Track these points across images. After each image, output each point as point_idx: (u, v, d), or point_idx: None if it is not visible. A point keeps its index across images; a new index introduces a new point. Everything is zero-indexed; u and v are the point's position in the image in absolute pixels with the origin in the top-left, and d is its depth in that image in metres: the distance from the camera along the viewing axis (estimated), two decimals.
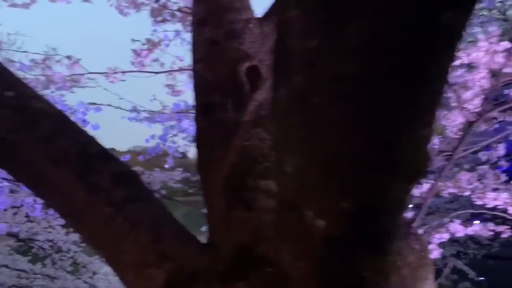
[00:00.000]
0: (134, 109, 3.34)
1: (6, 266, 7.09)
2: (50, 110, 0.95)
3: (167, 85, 2.91)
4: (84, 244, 6.96)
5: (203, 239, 1.00)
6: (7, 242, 7.33)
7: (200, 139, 1.04)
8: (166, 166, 4.54)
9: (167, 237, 0.94)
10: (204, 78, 1.04)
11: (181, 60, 2.82)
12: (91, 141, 0.96)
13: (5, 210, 5.38)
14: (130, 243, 0.91)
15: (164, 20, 2.52)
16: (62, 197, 0.92)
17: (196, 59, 1.08)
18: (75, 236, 6.50)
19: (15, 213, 5.84)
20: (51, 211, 5.42)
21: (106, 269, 6.94)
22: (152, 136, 4.07)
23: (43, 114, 0.94)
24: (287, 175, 0.57)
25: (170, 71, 2.75)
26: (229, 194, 0.97)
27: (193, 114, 1.13)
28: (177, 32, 2.70)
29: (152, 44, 2.57)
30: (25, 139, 0.90)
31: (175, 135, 4.19)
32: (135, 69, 2.67)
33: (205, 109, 1.03)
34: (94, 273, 6.66)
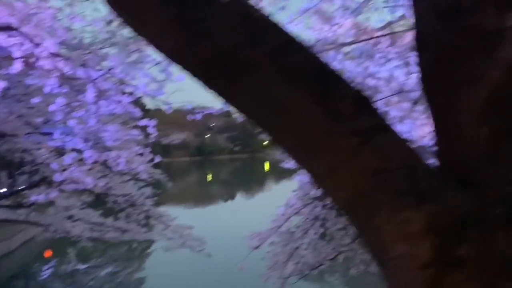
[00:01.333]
0: None
1: (81, 220, 7.47)
2: (269, 20, 0.76)
3: None
4: (156, 197, 7.17)
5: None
6: (80, 197, 7.70)
7: (440, 55, 0.83)
8: None
9: (423, 176, 0.76)
10: None
11: None
12: (320, 59, 0.78)
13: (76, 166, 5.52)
14: (379, 181, 0.74)
15: None
16: (295, 126, 0.75)
17: None
18: (148, 190, 6.70)
19: (89, 169, 6.02)
20: (134, 165, 5.54)
21: (178, 222, 7.17)
22: None
23: (266, 24, 0.75)
24: None
25: None
26: (494, 121, 0.76)
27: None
28: None
29: None
30: (254, 55, 0.73)
31: None
32: None
33: (451, 15, 0.80)
34: (167, 226, 6.89)
